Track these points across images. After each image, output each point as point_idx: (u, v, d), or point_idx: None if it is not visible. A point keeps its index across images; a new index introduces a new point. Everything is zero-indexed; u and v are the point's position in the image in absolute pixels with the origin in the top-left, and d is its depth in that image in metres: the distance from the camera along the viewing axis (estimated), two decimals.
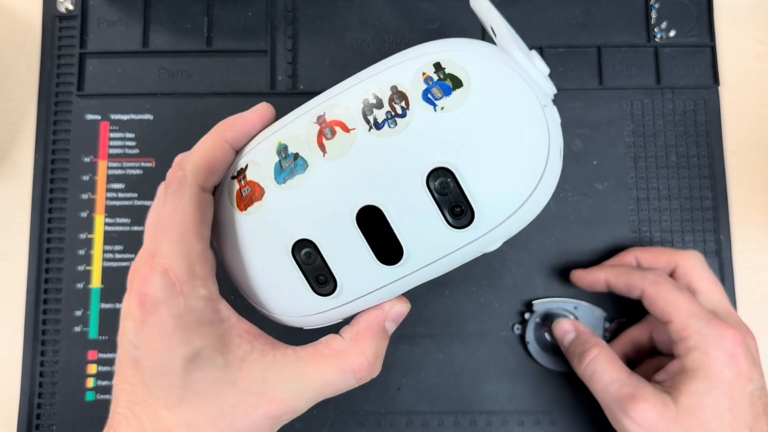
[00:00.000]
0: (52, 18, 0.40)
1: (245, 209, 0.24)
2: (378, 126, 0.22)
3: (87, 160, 0.39)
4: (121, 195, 0.39)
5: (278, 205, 0.23)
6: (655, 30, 0.40)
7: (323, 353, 0.23)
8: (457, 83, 0.22)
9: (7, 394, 0.37)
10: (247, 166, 0.24)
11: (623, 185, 0.39)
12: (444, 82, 0.22)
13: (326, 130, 0.23)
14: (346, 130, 0.23)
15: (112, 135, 0.39)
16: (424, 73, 0.22)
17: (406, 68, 0.22)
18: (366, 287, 0.23)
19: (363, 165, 0.22)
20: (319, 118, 0.23)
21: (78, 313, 0.38)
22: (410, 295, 0.24)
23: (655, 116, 0.39)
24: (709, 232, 0.38)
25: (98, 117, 0.39)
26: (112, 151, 0.39)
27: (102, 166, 0.39)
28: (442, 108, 0.21)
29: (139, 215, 0.38)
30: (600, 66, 0.40)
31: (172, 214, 0.22)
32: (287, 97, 0.39)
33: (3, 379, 0.38)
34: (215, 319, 0.22)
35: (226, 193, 0.25)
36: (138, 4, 0.40)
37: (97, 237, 0.38)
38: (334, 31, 0.40)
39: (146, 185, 0.39)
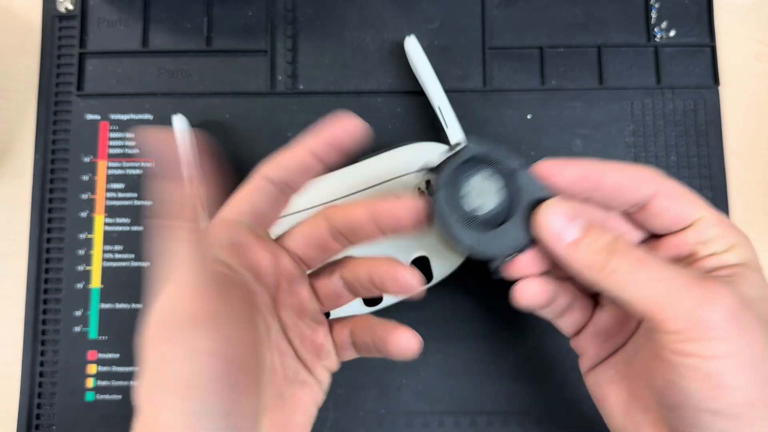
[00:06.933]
0: (51, 18, 0.40)
1: None
2: None
3: (87, 160, 0.39)
4: (121, 195, 0.39)
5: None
6: (655, 30, 0.40)
7: None
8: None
9: (7, 394, 0.37)
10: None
11: None
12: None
13: None
14: None
15: (112, 135, 0.39)
16: (418, 188, 0.34)
17: (408, 180, 0.34)
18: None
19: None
20: None
21: (78, 313, 0.38)
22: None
23: (655, 116, 0.39)
24: None
25: (98, 117, 0.39)
26: (112, 151, 0.39)
27: (102, 166, 0.39)
28: None
29: (139, 215, 0.38)
30: (600, 66, 0.40)
31: None
32: (287, 97, 0.39)
33: (3, 379, 0.38)
34: None
35: None
36: (138, 4, 0.40)
37: (97, 237, 0.38)
38: (334, 31, 0.40)
39: (146, 185, 0.39)
